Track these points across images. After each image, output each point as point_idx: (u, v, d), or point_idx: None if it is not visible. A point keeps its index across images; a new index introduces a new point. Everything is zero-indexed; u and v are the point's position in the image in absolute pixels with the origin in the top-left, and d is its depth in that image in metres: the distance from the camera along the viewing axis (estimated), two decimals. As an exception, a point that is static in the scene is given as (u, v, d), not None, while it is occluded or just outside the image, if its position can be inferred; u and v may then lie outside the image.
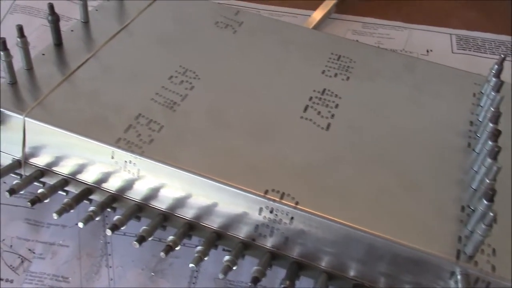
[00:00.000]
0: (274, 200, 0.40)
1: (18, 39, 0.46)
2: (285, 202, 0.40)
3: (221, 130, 0.45)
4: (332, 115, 0.47)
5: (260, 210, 0.40)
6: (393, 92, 0.51)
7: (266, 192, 0.40)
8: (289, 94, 0.49)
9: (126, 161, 0.42)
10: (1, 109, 0.44)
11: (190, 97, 0.47)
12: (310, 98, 0.49)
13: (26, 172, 0.46)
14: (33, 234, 0.48)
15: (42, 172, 0.45)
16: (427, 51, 0.63)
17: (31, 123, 0.44)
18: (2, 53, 0.44)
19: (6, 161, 0.46)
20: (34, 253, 0.46)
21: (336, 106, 0.48)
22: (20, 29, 0.45)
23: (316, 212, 0.39)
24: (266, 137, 0.45)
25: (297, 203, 0.40)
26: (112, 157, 0.43)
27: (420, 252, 0.38)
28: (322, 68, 0.52)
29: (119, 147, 0.42)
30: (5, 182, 0.49)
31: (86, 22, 0.54)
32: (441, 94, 0.51)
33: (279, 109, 0.47)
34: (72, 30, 0.53)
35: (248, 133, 0.45)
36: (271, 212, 0.40)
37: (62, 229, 0.48)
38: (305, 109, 0.48)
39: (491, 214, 0.37)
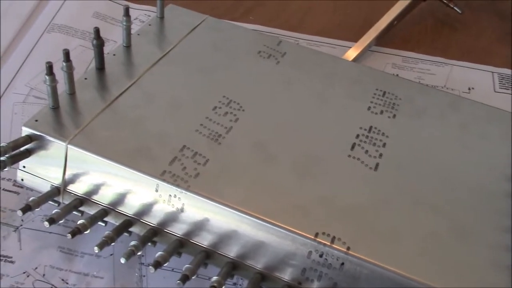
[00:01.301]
0: (324, 244, 0.38)
1: (64, 64, 0.45)
2: (336, 247, 0.38)
3: (267, 166, 0.43)
4: (380, 155, 0.46)
5: (309, 253, 0.39)
6: (439, 131, 0.49)
7: (316, 235, 0.39)
8: (335, 130, 0.48)
9: (170, 195, 0.41)
10: (44, 135, 0.43)
11: (235, 129, 0.46)
12: (357, 136, 0.47)
13: (64, 199, 0.45)
14: (66, 263, 0.46)
15: (81, 200, 0.44)
16: (469, 88, 0.62)
17: (74, 150, 0.43)
18: (47, 77, 0.44)
19: (44, 187, 0.45)
20: (67, 283, 0.45)
21: (384, 145, 0.47)
22: (67, 54, 0.45)
23: (369, 259, 0.38)
24: (313, 175, 0.43)
25: (348, 248, 0.38)
26: (156, 190, 0.41)
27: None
28: (367, 104, 0.51)
29: (164, 180, 0.41)
30: (40, 209, 0.48)
31: (128, 47, 0.53)
32: (487, 135, 0.50)
33: (325, 145, 0.46)
34: (114, 54, 0.52)
35: (295, 170, 0.43)
36: (320, 256, 0.39)
37: (96, 259, 0.47)
38: (352, 147, 0.46)
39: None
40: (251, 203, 0.40)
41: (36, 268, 0.46)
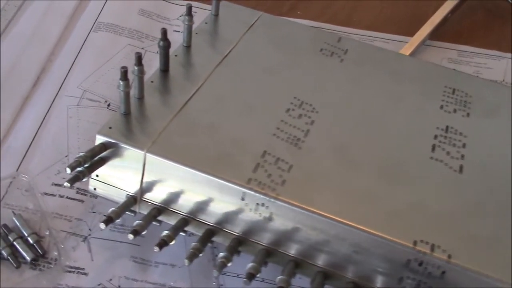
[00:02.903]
0: (424, 253, 0.37)
1: (135, 67, 0.43)
2: (437, 255, 0.37)
3: (351, 170, 0.42)
4: (462, 156, 0.45)
5: (408, 262, 0.38)
6: (516, 129, 0.48)
7: (415, 243, 0.37)
8: (413, 131, 0.46)
9: (258, 204, 0.40)
10: (120, 143, 0.42)
11: (312, 132, 0.45)
12: (435, 137, 0.46)
13: (140, 209, 0.43)
14: (141, 274, 0.45)
15: (159, 210, 0.43)
16: (528, 82, 0.61)
17: (152, 158, 0.41)
18: (121, 83, 0.42)
19: (118, 196, 0.43)
20: (144, 294, 0.44)
21: (464, 145, 0.46)
22: (139, 57, 0.43)
23: (472, 267, 0.37)
24: (398, 179, 0.42)
25: (450, 257, 0.37)
26: (243, 199, 0.40)
27: None
28: (439, 103, 0.49)
29: (251, 189, 0.39)
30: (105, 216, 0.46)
31: (188, 47, 0.51)
32: None
33: (405, 147, 0.45)
34: (176, 55, 0.50)
35: (379, 174, 0.42)
36: (420, 265, 0.38)
37: (171, 268, 0.45)
38: (433, 148, 0.45)
39: None
40: (344, 211, 0.39)
41: (111, 279, 0.44)
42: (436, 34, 0.64)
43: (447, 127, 0.47)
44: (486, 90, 0.52)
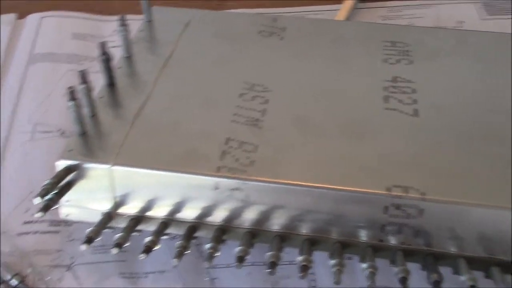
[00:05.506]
0: (399, 196, 0.38)
1: (81, 86, 0.43)
2: (411, 195, 0.38)
3: (314, 137, 0.43)
4: (414, 100, 0.46)
5: (386, 209, 0.39)
6: (459, 67, 0.50)
7: (389, 189, 0.39)
8: (363, 88, 0.48)
9: (232, 189, 0.40)
10: (84, 163, 0.41)
11: (269, 110, 0.45)
12: (385, 88, 0.47)
13: (118, 223, 0.43)
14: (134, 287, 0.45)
15: (137, 219, 0.42)
16: (459, 22, 0.63)
17: (120, 170, 0.41)
18: (71, 103, 0.41)
19: (93, 216, 0.43)
20: (142, 306, 0.44)
21: (413, 91, 0.47)
22: (83, 75, 0.42)
23: (446, 199, 0.38)
24: (360, 136, 0.43)
25: (423, 194, 0.38)
26: (216, 188, 0.40)
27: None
28: (382, 57, 0.51)
29: (222, 176, 0.40)
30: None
31: (129, 57, 0.51)
32: (502, 60, 0.51)
33: (360, 105, 0.46)
34: (120, 67, 0.50)
35: (342, 135, 0.43)
36: (397, 208, 0.39)
37: (161, 275, 0.45)
38: (386, 100, 0.46)
39: None
40: (316, 176, 0.40)
41: (105, 299, 0.44)
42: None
43: (394, 77, 0.49)
44: (423, 36, 0.54)
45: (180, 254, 0.39)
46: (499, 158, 0.41)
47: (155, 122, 0.44)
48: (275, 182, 0.40)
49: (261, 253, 0.41)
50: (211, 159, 0.41)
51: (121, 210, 0.43)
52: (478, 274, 0.39)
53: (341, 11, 0.61)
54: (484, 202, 0.38)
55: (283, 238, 0.41)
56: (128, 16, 0.65)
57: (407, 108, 0.46)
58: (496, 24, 0.64)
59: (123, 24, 0.49)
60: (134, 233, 0.42)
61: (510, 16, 0.65)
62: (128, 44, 0.51)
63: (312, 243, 0.41)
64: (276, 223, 0.41)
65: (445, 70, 0.50)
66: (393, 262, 0.39)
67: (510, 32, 0.55)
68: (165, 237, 0.42)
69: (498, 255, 0.39)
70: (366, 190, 0.39)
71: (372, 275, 0.38)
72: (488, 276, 0.39)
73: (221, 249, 0.40)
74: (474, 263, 0.39)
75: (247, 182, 0.40)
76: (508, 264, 0.38)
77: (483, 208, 0.38)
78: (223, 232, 0.41)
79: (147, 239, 0.40)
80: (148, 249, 0.39)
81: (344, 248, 0.40)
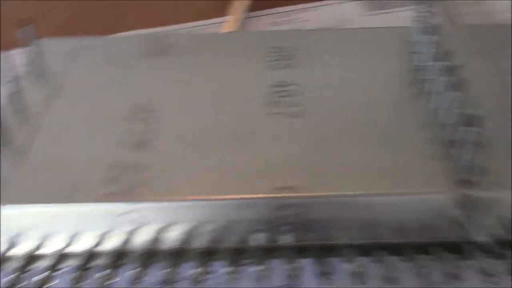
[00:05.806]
0: (287, 197, 0.40)
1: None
2: (299, 194, 0.40)
3: (202, 151, 0.43)
4: (300, 102, 0.48)
5: (277, 209, 0.40)
6: (343, 65, 0.52)
7: (277, 191, 0.40)
8: (249, 97, 0.49)
9: (123, 213, 0.40)
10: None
11: (154, 130, 0.45)
12: (271, 94, 0.49)
13: (11, 267, 0.41)
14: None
15: (32, 258, 0.41)
16: (342, 21, 0.66)
17: (8, 210, 0.40)
18: None
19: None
20: None
21: (299, 93, 0.49)
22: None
23: (333, 193, 0.40)
24: (248, 142, 0.44)
25: (311, 191, 0.40)
26: (106, 215, 0.40)
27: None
28: (268, 64, 0.52)
29: (111, 201, 0.40)
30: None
31: (16, 92, 0.50)
32: (381, 53, 0.54)
33: (246, 114, 0.47)
34: (7, 104, 0.49)
35: (229, 144, 0.44)
36: (288, 208, 0.40)
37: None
38: (272, 105, 0.48)
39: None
40: (206, 188, 0.40)
41: None
42: (256, 5, 0.67)
43: (280, 82, 0.50)
44: (308, 38, 0.56)
45: (78, 279, 0.39)
46: (377, 148, 0.43)
47: (39, 158, 0.44)
48: (166, 200, 0.40)
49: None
50: (99, 186, 0.41)
51: (11, 253, 0.41)
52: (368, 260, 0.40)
53: (227, 23, 0.63)
54: (367, 191, 0.40)
55: (179, 254, 0.41)
56: (13, 51, 0.64)
57: (293, 111, 0.47)
58: (383, 18, 0.67)
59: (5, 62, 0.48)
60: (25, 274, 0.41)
61: (395, 10, 0.69)
62: (15, 80, 0.50)
63: (208, 254, 0.41)
64: (172, 240, 0.41)
65: (329, 70, 0.52)
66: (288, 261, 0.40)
67: (394, 26, 0.58)
68: (60, 271, 0.41)
69: (385, 239, 0.40)
70: (254, 195, 0.40)
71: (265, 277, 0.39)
72: (376, 260, 0.40)
73: (119, 273, 0.40)
74: (363, 249, 0.40)
75: (137, 204, 0.40)
76: (392, 245, 0.40)
77: (366, 197, 0.40)
78: (120, 257, 0.41)
79: (43, 274, 0.39)
80: (43, 283, 0.39)
81: (239, 254, 0.41)
